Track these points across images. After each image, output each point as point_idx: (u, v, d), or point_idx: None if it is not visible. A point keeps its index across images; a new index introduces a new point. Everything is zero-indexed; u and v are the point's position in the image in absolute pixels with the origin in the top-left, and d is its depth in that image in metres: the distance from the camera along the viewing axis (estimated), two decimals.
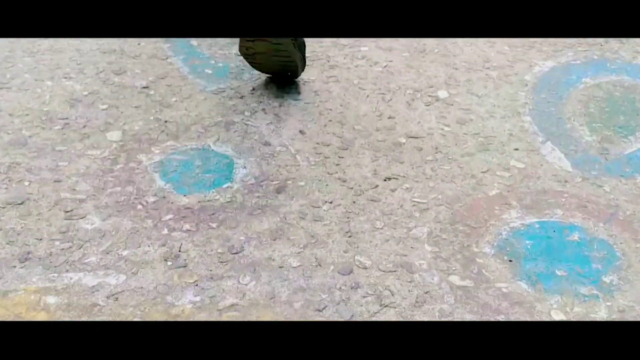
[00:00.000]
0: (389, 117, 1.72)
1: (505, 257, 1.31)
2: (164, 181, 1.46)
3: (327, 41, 2.06)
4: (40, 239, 1.29)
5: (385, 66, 1.95)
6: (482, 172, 1.54)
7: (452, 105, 1.78)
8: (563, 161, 1.58)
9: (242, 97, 1.77)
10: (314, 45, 2.03)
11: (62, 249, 1.27)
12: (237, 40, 2.04)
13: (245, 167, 1.51)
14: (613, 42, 2.11)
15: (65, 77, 1.81)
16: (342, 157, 1.57)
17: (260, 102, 1.75)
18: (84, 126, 1.62)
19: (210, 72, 1.88)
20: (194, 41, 2.03)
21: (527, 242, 1.34)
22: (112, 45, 1.98)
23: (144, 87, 1.79)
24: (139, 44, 1.99)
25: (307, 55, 1.98)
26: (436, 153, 1.59)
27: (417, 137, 1.65)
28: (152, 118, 1.66)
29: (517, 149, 1.62)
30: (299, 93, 1.80)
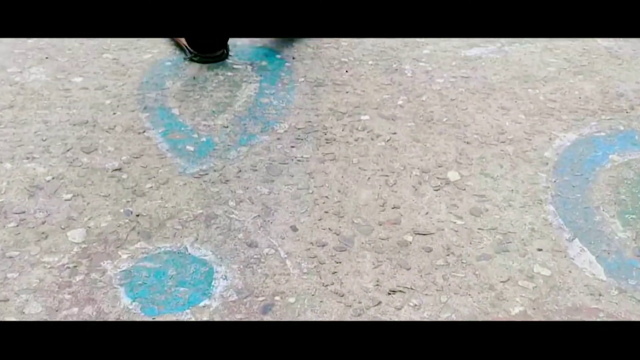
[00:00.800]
0: (393, 207, 1.51)
1: None
2: (130, 298, 1.24)
3: (324, 109, 1.86)
4: None
5: (388, 140, 1.74)
6: (502, 281, 1.33)
7: (465, 190, 1.57)
8: (595, 266, 1.37)
9: (226, 182, 1.56)
10: (309, 114, 1.83)
11: None
12: (223, 108, 1.84)
13: (226, 278, 1.30)
14: None
15: (28, 158, 1.60)
16: (340, 262, 1.35)
17: (247, 187, 1.54)
18: (43, 222, 1.41)
19: (192, 149, 1.67)
20: (175, 109, 1.83)
21: None
22: (84, 115, 1.77)
23: (116, 170, 1.58)
24: (114, 114, 1.79)
25: (301, 127, 1.78)
26: (448, 255, 1.38)
27: (425, 234, 1.43)
28: (122, 211, 1.45)
29: (540, 250, 1.41)
30: (291, 175, 1.59)
